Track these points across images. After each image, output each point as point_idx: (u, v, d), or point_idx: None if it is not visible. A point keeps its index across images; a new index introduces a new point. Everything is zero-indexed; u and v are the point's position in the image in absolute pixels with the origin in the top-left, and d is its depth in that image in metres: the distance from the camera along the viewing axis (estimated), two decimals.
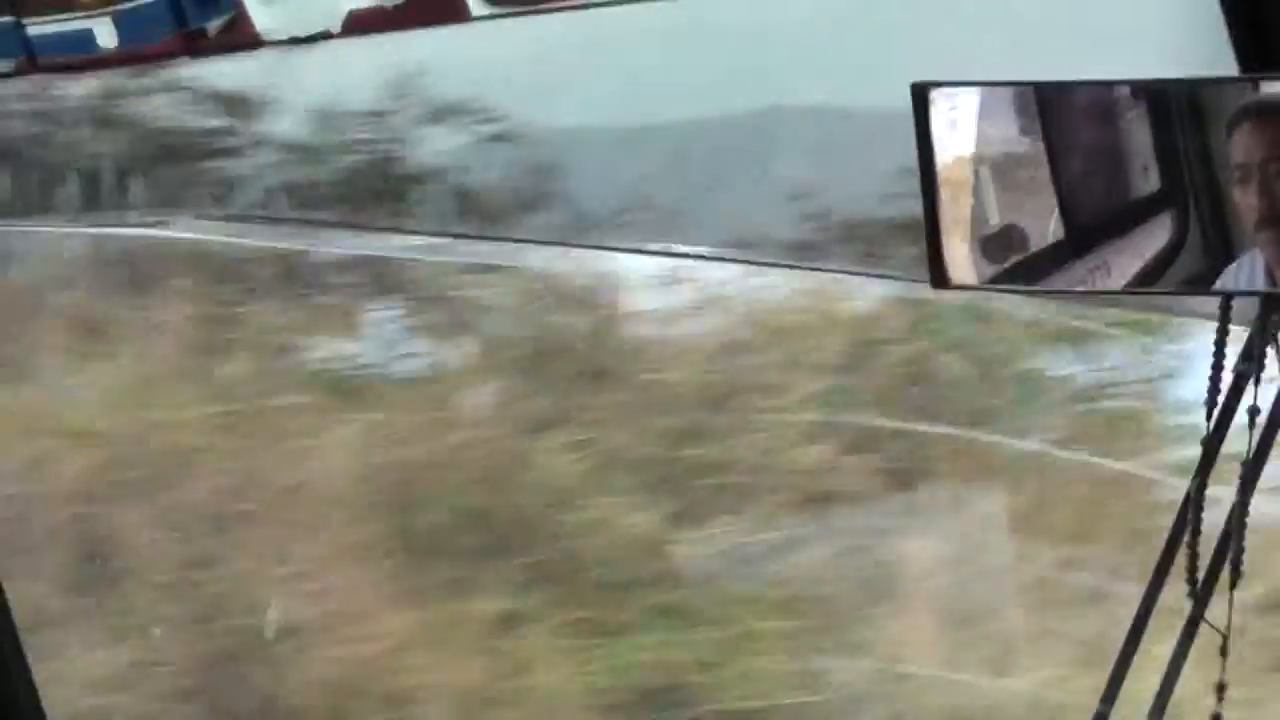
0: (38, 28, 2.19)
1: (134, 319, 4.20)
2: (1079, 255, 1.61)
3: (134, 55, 2.32)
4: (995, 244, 1.65)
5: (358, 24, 1.86)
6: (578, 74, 2.89)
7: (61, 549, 4.01)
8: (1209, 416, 1.65)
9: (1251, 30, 1.58)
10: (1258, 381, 1.63)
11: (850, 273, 2.72)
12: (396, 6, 1.92)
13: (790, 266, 3.05)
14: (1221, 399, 1.63)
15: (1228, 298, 1.58)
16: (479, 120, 3.84)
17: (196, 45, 2.11)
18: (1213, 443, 1.65)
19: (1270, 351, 1.58)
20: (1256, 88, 1.53)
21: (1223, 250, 1.54)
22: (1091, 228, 1.61)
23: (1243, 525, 1.64)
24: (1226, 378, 1.64)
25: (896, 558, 3.96)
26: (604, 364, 4.06)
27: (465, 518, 3.99)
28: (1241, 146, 1.51)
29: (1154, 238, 1.58)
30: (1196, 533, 1.65)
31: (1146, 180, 1.59)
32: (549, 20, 2.00)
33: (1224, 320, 1.60)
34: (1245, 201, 1.49)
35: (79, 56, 2.27)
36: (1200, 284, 1.55)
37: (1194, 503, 1.67)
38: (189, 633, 3.93)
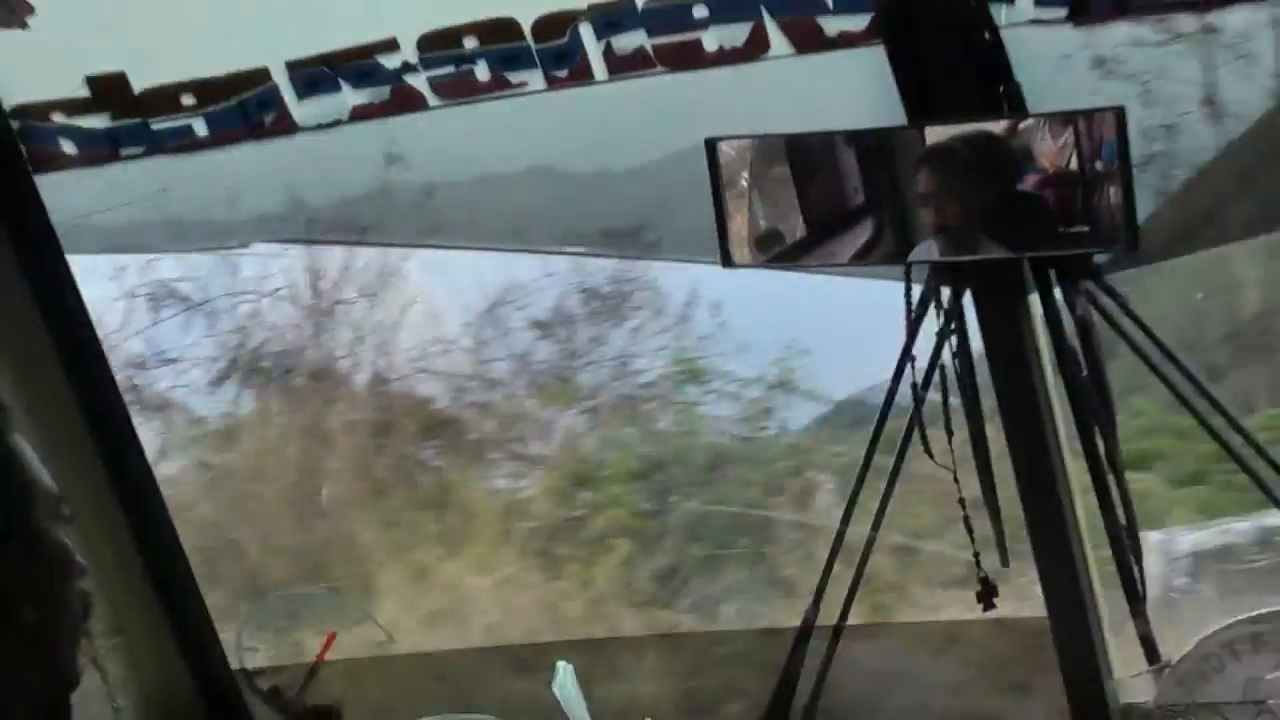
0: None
1: None
2: (817, 244, 2.53)
3: None
4: (763, 240, 2.56)
5: None
6: None
7: None
8: (907, 351, 2.61)
9: (916, 89, 2.49)
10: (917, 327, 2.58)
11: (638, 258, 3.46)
12: None
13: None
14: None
15: (909, 267, 2.53)
16: None
17: None
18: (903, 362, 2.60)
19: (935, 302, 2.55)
20: (922, 132, 2.46)
21: (905, 240, 2.48)
22: (823, 227, 2.52)
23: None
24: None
25: None
26: None
27: None
28: (922, 181, 2.44)
29: (861, 232, 2.51)
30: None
31: (857, 195, 2.52)
32: None
33: (908, 282, 2.55)
34: (925, 216, 2.43)
35: None
36: (893, 260, 2.50)
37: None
38: None
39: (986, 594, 2.65)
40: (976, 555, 2.64)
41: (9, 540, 1.69)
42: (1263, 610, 2.63)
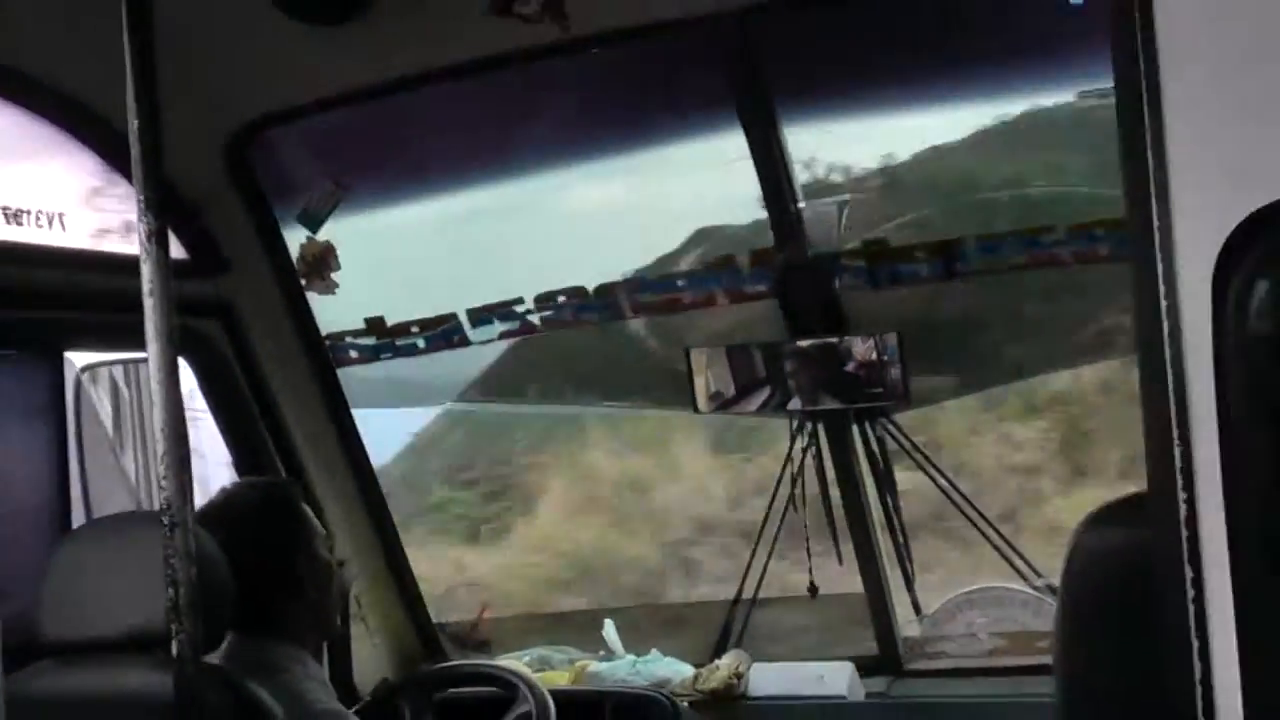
0: None
1: None
2: (738, 401, 4.70)
3: None
4: (713, 397, 4.70)
5: None
6: None
7: None
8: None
9: (793, 321, 4.68)
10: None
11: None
12: None
13: None
14: None
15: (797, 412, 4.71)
16: None
17: None
18: None
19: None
20: (795, 343, 4.62)
21: (785, 398, 4.68)
22: (743, 390, 4.68)
23: None
24: None
25: None
26: None
27: None
28: (792, 367, 4.63)
29: (763, 394, 4.69)
30: None
31: (760, 372, 4.72)
32: None
33: (790, 421, 4.75)
34: (794, 384, 4.62)
35: None
36: (780, 409, 4.69)
37: None
38: None
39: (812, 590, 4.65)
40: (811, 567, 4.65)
41: (297, 554, 3.58)
42: (975, 586, 4.50)
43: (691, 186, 4.47)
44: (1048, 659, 4.00)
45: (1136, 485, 1.61)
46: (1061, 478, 6.72)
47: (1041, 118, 4.26)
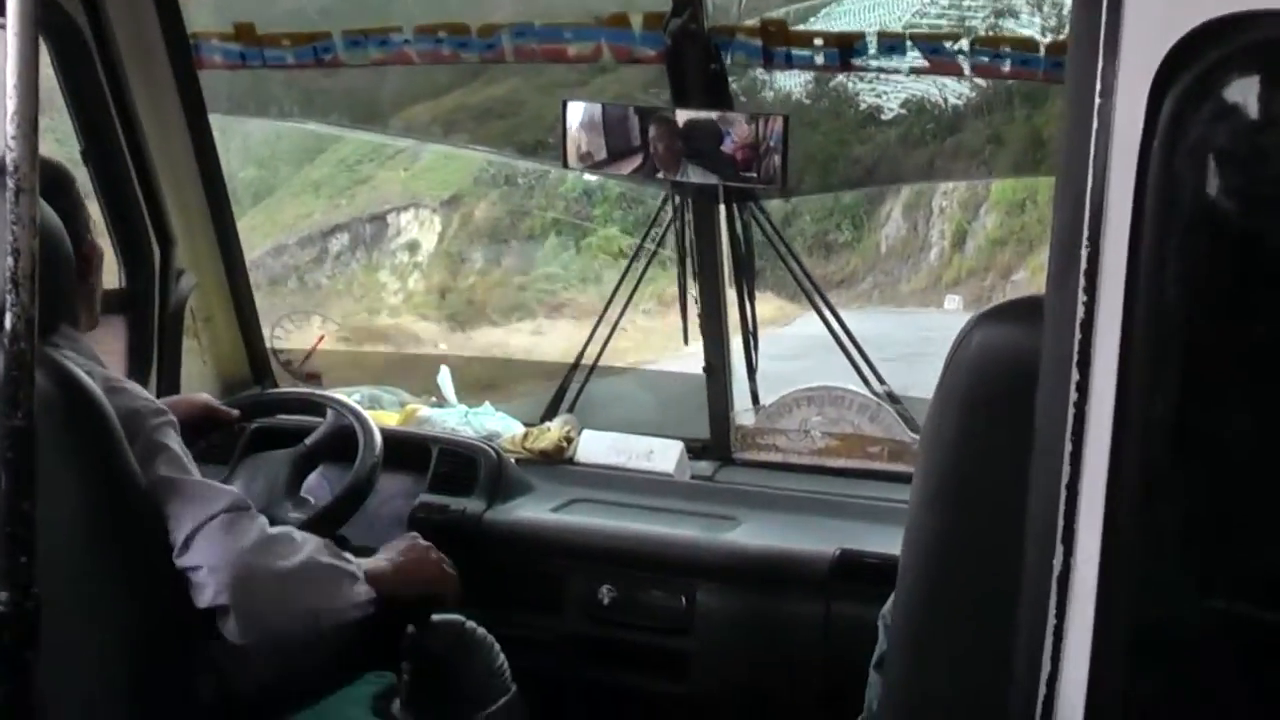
0: None
1: None
2: (611, 162, 4.64)
3: None
4: (583, 156, 4.63)
5: None
6: None
7: None
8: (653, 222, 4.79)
9: (678, 89, 4.55)
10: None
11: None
12: None
13: None
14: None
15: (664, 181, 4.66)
16: None
17: None
18: None
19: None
20: (673, 113, 4.55)
21: (656, 166, 4.62)
22: (615, 153, 4.60)
23: None
24: None
25: None
26: None
27: None
28: (659, 130, 4.52)
29: (636, 158, 4.62)
30: None
31: (634, 138, 4.61)
32: None
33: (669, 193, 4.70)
34: (666, 154, 4.55)
35: None
36: (650, 176, 4.63)
37: None
38: None
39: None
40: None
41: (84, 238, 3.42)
42: (815, 384, 4.50)
43: None
44: (878, 465, 4.27)
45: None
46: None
47: None
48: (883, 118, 8.67)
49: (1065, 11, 4.61)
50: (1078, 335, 1.46)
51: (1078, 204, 1.48)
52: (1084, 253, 1.46)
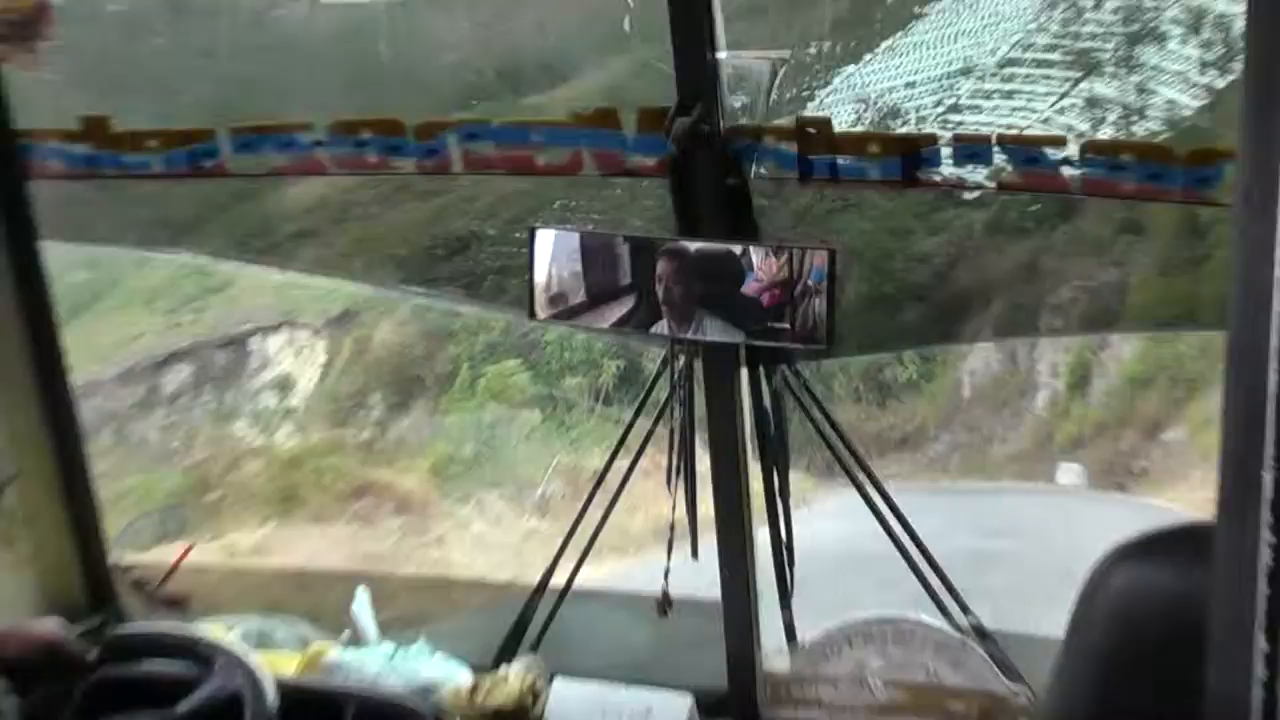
0: None
1: None
2: (592, 309, 4.60)
3: None
4: (554, 299, 4.63)
5: None
6: None
7: None
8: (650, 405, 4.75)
9: (684, 213, 4.50)
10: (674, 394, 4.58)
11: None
12: None
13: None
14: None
15: (665, 337, 4.59)
16: None
17: None
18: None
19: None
20: (678, 244, 4.54)
21: (655, 314, 4.57)
22: (596, 298, 4.59)
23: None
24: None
25: None
26: None
27: None
28: (660, 267, 4.43)
29: (622, 306, 4.56)
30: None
31: (623, 276, 4.54)
32: None
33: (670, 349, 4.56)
34: (664, 299, 4.51)
35: None
36: (641, 328, 4.57)
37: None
38: None
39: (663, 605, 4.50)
40: (667, 573, 4.44)
41: None
42: (874, 614, 4.32)
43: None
44: None
45: None
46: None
47: None
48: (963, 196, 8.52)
49: (1233, 34, 4.62)
50: (1263, 587, 1.43)
51: (1254, 396, 1.45)
52: (1269, 473, 1.44)
